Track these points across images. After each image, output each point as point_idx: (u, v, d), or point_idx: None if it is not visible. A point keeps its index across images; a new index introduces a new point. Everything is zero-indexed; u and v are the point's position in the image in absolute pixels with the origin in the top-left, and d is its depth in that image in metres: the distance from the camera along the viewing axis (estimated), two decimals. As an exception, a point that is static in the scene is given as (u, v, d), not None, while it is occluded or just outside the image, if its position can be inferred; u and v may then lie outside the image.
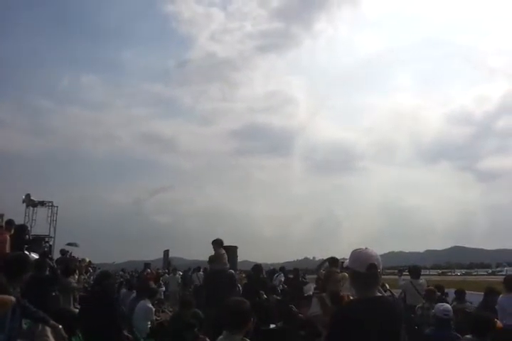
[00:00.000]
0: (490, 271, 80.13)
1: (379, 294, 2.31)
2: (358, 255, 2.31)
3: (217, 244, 7.23)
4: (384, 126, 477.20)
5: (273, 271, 15.55)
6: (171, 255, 29.19)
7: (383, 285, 10.03)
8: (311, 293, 9.22)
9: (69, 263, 9.03)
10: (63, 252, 12.81)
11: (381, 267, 2.29)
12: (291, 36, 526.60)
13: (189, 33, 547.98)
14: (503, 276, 8.40)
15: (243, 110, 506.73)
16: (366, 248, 2.34)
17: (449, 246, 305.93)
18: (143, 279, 15.60)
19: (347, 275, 8.17)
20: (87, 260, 14.82)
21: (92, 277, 13.06)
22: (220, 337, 2.92)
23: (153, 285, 6.75)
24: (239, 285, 8.57)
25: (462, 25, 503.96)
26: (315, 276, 8.15)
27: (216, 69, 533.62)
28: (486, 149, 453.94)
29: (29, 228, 12.70)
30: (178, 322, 5.28)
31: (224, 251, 7.29)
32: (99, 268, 20.80)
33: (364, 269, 2.22)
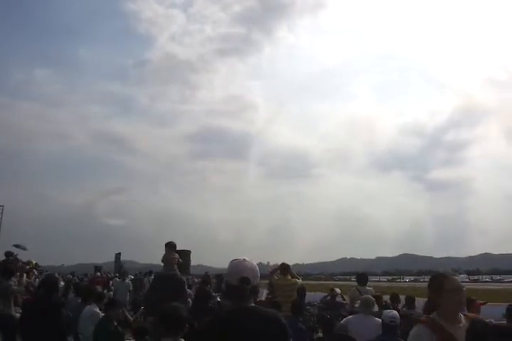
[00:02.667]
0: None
1: (252, 305, 2.17)
2: (232, 266, 2.23)
3: (170, 247, 7.07)
4: (339, 135, 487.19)
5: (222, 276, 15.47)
6: (123, 258, 28.62)
7: (333, 290, 10.26)
8: (263, 298, 9.25)
9: (8, 265, 8.59)
10: (8, 254, 12.21)
11: (257, 280, 2.21)
12: (251, 42, 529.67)
13: (149, 32, 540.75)
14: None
15: (201, 113, 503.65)
16: (244, 259, 2.25)
17: (399, 254, 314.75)
18: (88, 283, 15.15)
19: (299, 281, 8.23)
20: (33, 262, 14.24)
21: (37, 280, 12.53)
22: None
23: (99, 289, 6.48)
24: (189, 291, 8.45)
25: (417, 41, 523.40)
26: (267, 282, 8.17)
27: (175, 70, 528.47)
28: (435, 161, 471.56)
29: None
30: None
31: (176, 255, 7.13)
32: (46, 271, 20.05)
33: (236, 282, 2.14)
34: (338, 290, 10.41)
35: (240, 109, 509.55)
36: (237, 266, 2.22)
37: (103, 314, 5.66)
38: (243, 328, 2.03)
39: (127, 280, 14.78)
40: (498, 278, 74.46)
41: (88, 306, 6.03)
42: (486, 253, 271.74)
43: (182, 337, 3.04)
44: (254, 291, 2.20)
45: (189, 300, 7.10)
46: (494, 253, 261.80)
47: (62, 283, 16.56)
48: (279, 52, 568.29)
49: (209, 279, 9.51)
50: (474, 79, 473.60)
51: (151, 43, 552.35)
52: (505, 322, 5.33)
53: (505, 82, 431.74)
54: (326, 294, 11.71)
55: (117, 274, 21.80)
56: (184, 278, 7.06)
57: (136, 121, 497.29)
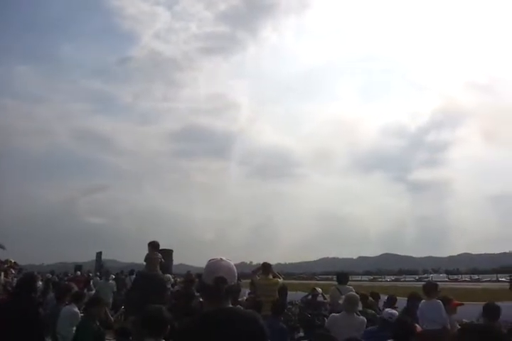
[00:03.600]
0: (417, 277, 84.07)
1: (230, 306, 2.16)
2: (209, 266, 2.21)
3: (153, 246, 7.03)
4: (322, 135, 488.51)
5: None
6: (104, 257, 28.34)
7: (315, 290, 10.33)
8: (245, 297, 9.25)
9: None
10: (-15, 253, 12.02)
11: (235, 280, 2.19)
12: (236, 41, 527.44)
13: (133, 29, 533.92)
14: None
15: (185, 111, 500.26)
16: (221, 258, 2.23)
17: (381, 253, 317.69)
18: (67, 282, 14.90)
19: (280, 281, 8.29)
20: (12, 261, 14.03)
21: (15, 279, 12.34)
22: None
23: (75, 288, 6.37)
24: (171, 290, 8.39)
25: (400, 44, 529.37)
26: (249, 281, 8.18)
27: (159, 68, 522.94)
28: (416, 161, 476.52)
29: None
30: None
31: (159, 255, 7.09)
32: (25, 270, 19.77)
33: (211, 281, 2.12)
34: (319, 289, 10.47)
35: (223, 107, 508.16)
36: (213, 265, 2.20)
37: (83, 313, 5.59)
38: (220, 330, 2.00)
39: (111, 281, 14.40)
40: (477, 277, 75.59)
41: (67, 306, 5.93)
42: (465, 253, 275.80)
43: (164, 338, 3.03)
44: (232, 291, 2.17)
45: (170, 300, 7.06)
46: (473, 253, 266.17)
47: (40, 283, 16.37)
48: (264, 52, 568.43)
49: (193, 278, 9.45)
50: (455, 83, 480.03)
51: (135, 41, 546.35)
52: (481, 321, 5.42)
53: (485, 85, 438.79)
54: (307, 293, 11.77)
55: (98, 273, 21.58)
56: (167, 278, 7.03)
57: (120, 119, 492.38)
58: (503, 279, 65.01)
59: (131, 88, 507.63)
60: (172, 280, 7.54)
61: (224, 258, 2.23)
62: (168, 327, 3.05)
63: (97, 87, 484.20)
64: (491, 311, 5.31)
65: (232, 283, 2.15)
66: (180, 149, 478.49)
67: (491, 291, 25.52)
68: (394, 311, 5.20)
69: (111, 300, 12.47)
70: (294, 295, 15.37)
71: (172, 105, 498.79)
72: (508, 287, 32.90)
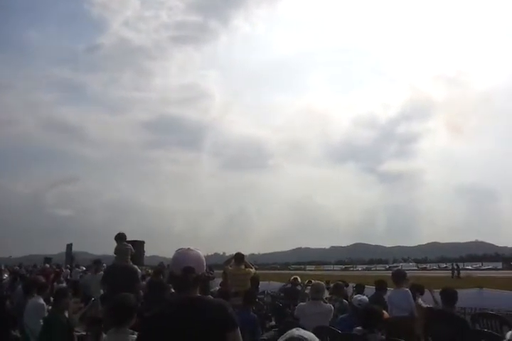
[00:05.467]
0: (387, 266, 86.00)
1: (198, 295, 2.15)
2: (177, 256, 2.19)
3: (119, 238, 6.98)
4: (295, 126, 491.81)
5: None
6: (76, 249, 27.86)
7: (296, 279, 10.44)
8: (217, 288, 9.28)
9: None
10: None
11: (203, 269, 2.18)
12: (208, 30, 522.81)
13: (102, 17, 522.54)
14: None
15: (156, 101, 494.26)
16: (189, 248, 2.21)
17: (352, 243, 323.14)
18: (35, 275, 14.57)
19: (252, 271, 8.32)
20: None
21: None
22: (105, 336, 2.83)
23: (42, 280, 6.25)
24: (142, 281, 8.33)
25: (371, 37, 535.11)
26: (222, 271, 8.20)
27: (129, 56, 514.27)
28: (387, 152, 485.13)
29: None
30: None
31: (129, 245, 7.03)
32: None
33: (179, 271, 2.12)
34: (299, 279, 10.62)
35: (195, 97, 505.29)
36: (180, 255, 2.18)
37: (51, 305, 5.49)
38: (187, 318, 2.00)
39: (100, 273, 12.74)
40: (445, 266, 77.85)
41: (33, 298, 5.82)
42: (433, 243, 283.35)
43: (131, 327, 3.00)
44: (200, 281, 2.16)
45: (140, 291, 7.00)
46: (441, 242, 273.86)
47: (6, 275, 16.02)
48: (236, 42, 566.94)
49: (163, 269, 9.40)
50: (425, 75, 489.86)
51: (104, 28, 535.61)
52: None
53: (453, 79, 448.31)
54: (284, 283, 11.97)
55: (68, 266, 21.26)
56: (137, 269, 6.96)
57: (89, 109, 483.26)
58: (469, 267, 67.28)
59: (101, 77, 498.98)
60: (140, 271, 7.44)
61: (192, 248, 2.21)
62: (135, 316, 3.02)
63: (65, 75, 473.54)
64: (449, 296, 5.45)
65: (201, 273, 2.15)
66: (151, 139, 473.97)
67: (435, 278, 26.03)
68: (363, 297, 5.33)
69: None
70: (267, 285, 15.51)
71: (143, 95, 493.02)
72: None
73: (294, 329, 2.10)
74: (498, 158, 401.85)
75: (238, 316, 2.18)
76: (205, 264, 2.22)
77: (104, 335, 4.57)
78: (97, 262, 10.67)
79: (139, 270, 7.07)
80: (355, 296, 5.62)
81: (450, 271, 37.91)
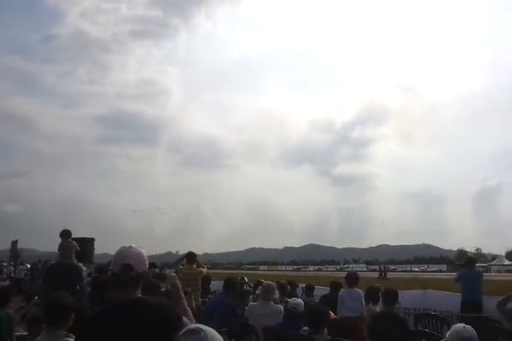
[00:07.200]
0: (338, 267, 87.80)
1: (138, 294, 2.09)
2: (117, 253, 2.12)
3: (64, 235, 6.78)
4: (253, 126, 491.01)
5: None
6: (23, 246, 26.90)
7: (242, 279, 10.44)
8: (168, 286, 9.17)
9: None
10: None
11: (144, 268, 2.12)
12: (168, 26, 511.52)
13: (58, 7, 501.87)
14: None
15: (112, 95, 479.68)
16: (130, 246, 2.15)
17: (305, 244, 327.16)
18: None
19: (204, 270, 8.29)
20: None
21: None
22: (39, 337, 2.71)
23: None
24: (86, 279, 8.12)
25: (330, 43, 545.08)
26: (174, 270, 8.12)
27: (86, 49, 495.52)
28: (341, 156, 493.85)
29: None
30: None
31: (73, 243, 6.84)
32: None
33: (118, 269, 2.05)
34: (246, 278, 10.62)
35: (153, 94, 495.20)
36: (121, 253, 2.11)
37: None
38: (127, 321, 1.91)
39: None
40: (393, 267, 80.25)
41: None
42: (383, 245, 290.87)
43: (70, 327, 2.86)
44: (141, 279, 2.09)
45: (86, 290, 6.83)
46: (391, 244, 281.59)
47: None
48: (196, 39, 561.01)
49: (105, 267, 9.18)
50: (381, 83, 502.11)
51: (60, 18, 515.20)
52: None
53: (409, 88, 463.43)
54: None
55: (12, 263, 20.44)
56: (81, 266, 6.77)
57: (41, 100, 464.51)
58: (416, 269, 69.63)
59: (55, 68, 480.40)
60: (84, 268, 7.25)
61: (134, 246, 2.14)
62: (71, 316, 2.87)
63: (17, 65, 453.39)
64: (390, 297, 5.62)
65: (142, 271, 2.08)
66: (105, 135, 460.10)
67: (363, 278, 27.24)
68: (299, 301, 5.19)
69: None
70: (219, 285, 15.44)
71: (98, 88, 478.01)
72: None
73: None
74: (446, 166, 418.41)
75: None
76: (146, 262, 2.15)
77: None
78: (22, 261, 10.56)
79: (83, 268, 6.88)
80: (289, 300, 5.37)
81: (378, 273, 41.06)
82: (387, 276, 37.06)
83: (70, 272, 6.25)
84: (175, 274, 2.42)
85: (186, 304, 2.28)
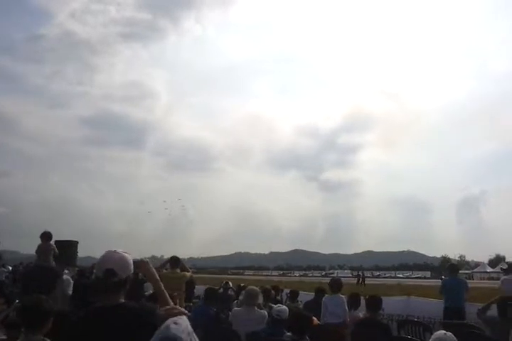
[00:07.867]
0: (323, 272, 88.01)
1: (120, 299, 2.07)
2: (101, 258, 2.11)
3: (45, 237, 6.69)
4: (240, 131, 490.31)
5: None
6: (4, 248, 26.50)
7: (227, 283, 10.39)
8: (151, 291, 9.07)
9: None
10: None
11: (128, 272, 2.09)
12: (157, 29, 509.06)
13: (47, 6, 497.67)
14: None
15: (99, 97, 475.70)
16: (115, 250, 2.13)
17: (291, 249, 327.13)
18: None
19: (188, 274, 8.22)
20: None
21: None
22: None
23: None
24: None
25: (317, 49, 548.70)
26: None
27: (74, 49, 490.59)
28: (328, 162, 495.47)
29: None
30: None
31: (52, 246, 6.75)
32: None
33: (100, 273, 2.04)
34: (230, 283, 10.55)
35: (140, 96, 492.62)
36: (104, 257, 2.09)
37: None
38: (109, 326, 1.90)
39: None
40: (378, 273, 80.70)
41: None
42: (368, 251, 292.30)
43: (48, 331, 2.80)
44: (124, 284, 2.08)
45: (67, 293, 6.73)
46: (376, 250, 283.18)
47: None
48: (185, 43, 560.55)
49: (89, 270, 9.08)
50: (368, 90, 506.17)
51: (48, 19, 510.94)
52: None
53: (395, 95, 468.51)
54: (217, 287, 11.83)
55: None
56: (57, 269, 6.67)
57: (27, 101, 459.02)
58: (400, 275, 70.02)
59: (42, 68, 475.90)
60: (66, 271, 7.18)
61: (118, 251, 2.13)
62: (50, 320, 2.81)
63: (3, 64, 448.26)
64: (373, 303, 5.65)
65: (125, 276, 2.06)
66: (91, 136, 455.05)
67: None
68: (283, 307, 5.15)
69: None
70: (203, 289, 15.35)
71: (85, 89, 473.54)
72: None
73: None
74: (430, 173, 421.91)
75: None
76: (131, 267, 2.13)
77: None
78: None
79: (60, 271, 6.80)
80: (274, 307, 5.31)
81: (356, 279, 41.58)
82: (365, 282, 37.73)
83: (45, 275, 6.15)
84: (147, 260, 2.38)
85: (163, 287, 2.25)
